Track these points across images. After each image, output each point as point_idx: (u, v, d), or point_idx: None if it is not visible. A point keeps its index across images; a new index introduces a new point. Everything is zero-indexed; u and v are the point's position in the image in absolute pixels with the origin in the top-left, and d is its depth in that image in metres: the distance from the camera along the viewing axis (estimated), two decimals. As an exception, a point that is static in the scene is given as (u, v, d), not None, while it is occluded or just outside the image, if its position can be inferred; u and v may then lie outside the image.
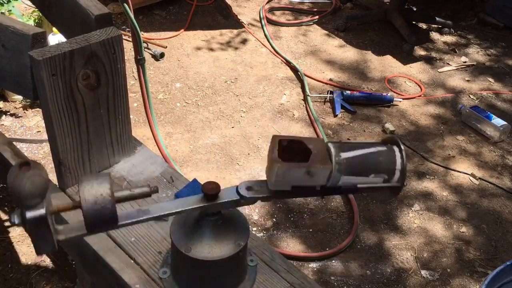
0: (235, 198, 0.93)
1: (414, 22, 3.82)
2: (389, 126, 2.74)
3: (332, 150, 0.88)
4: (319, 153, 0.87)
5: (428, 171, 2.53)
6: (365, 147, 0.90)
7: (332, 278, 1.99)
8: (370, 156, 0.89)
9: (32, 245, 1.97)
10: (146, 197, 0.89)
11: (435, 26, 3.79)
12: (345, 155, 0.87)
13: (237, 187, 0.94)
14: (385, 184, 0.90)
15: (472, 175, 2.52)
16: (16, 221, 0.80)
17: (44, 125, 1.25)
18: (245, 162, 2.46)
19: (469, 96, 3.11)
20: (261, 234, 2.13)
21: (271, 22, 3.66)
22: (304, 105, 2.89)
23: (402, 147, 0.90)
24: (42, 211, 0.79)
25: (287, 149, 0.89)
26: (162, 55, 3.14)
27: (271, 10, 3.81)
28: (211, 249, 0.97)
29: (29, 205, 0.79)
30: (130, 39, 2.60)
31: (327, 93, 2.94)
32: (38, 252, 0.85)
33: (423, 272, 2.06)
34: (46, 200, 0.81)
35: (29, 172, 0.77)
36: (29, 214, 0.79)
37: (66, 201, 1.27)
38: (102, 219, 0.83)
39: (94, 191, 0.82)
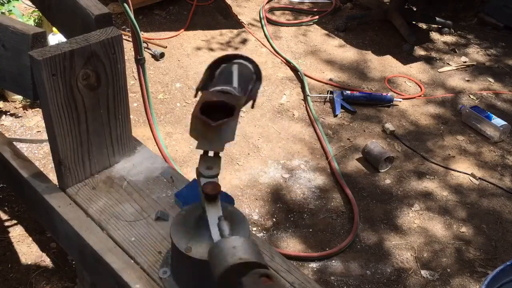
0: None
1: (414, 22, 3.82)
2: (389, 126, 2.74)
3: (228, 88, 0.99)
4: (229, 98, 0.98)
5: (428, 171, 2.53)
6: (231, 72, 1.05)
7: (332, 278, 1.99)
8: (242, 75, 1.05)
9: (32, 245, 1.97)
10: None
11: (435, 26, 3.79)
12: (235, 84, 1.02)
13: (202, 176, 0.96)
14: (255, 87, 1.06)
15: (472, 175, 2.52)
16: None
17: (44, 125, 1.25)
18: (245, 162, 2.46)
19: (469, 96, 3.11)
20: (261, 234, 2.13)
21: (271, 22, 3.66)
22: (304, 105, 2.89)
23: (241, 55, 1.07)
24: None
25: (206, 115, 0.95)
26: (162, 55, 3.14)
27: (271, 10, 3.81)
28: (211, 249, 0.97)
29: None
30: (130, 39, 2.60)
31: (327, 93, 2.94)
32: None
33: (423, 272, 2.06)
34: None
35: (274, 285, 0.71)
36: None
37: (66, 201, 1.27)
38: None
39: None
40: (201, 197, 0.96)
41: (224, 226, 0.89)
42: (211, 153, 0.98)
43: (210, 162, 0.98)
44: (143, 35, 3.27)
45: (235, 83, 1.00)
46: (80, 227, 1.20)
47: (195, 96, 1.01)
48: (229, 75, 1.02)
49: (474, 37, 3.75)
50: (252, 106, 1.05)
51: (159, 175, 1.37)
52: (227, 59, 1.06)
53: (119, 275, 1.10)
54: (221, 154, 0.98)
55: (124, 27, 3.32)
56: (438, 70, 3.33)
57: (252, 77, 1.06)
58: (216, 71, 1.04)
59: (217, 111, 0.94)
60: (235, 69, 1.04)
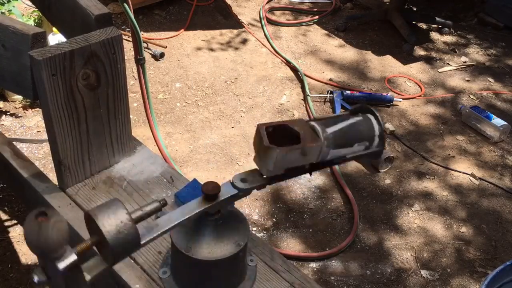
0: (232, 192, 0.94)
1: (414, 22, 3.82)
2: (389, 126, 2.74)
3: (318, 127, 0.91)
4: (307, 133, 0.90)
5: (428, 171, 2.53)
6: (344, 120, 0.95)
7: (332, 278, 1.99)
8: (352, 127, 0.95)
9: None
10: (158, 212, 0.87)
11: (435, 26, 3.79)
12: (330, 130, 0.92)
13: (231, 181, 0.95)
14: (367, 150, 0.96)
15: (472, 175, 2.52)
16: (41, 279, 0.74)
17: (44, 125, 1.25)
18: (245, 162, 2.46)
19: (469, 96, 3.11)
20: (261, 234, 2.13)
21: (271, 22, 3.66)
22: (304, 105, 2.89)
23: (377, 113, 0.96)
24: (73, 257, 0.74)
25: (273, 136, 0.90)
26: (162, 55, 3.14)
27: (271, 10, 3.81)
28: (211, 249, 0.97)
29: (57, 256, 0.73)
30: (130, 39, 2.60)
31: (327, 93, 2.94)
32: None
33: (423, 272, 2.06)
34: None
35: (50, 221, 0.71)
36: (62, 265, 0.73)
37: (66, 201, 1.27)
38: (128, 245, 0.80)
39: (113, 220, 0.79)
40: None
41: (148, 205, 0.87)
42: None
43: (249, 177, 0.95)
44: (143, 35, 3.27)
45: (332, 129, 0.91)
46: (80, 227, 1.20)
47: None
48: (340, 121, 0.95)
49: (474, 37, 3.75)
50: (310, 173, 0.97)
51: (159, 175, 1.37)
52: (364, 110, 0.97)
53: (119, 275, 1.10)
54: (264, 176, 0.93)
55: (124, 27, 3.33)
56: (438, 70, 3.33)
57: (372, 140, 0.96)
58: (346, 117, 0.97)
59: (293, 142, 0.89)
60: (351, 119, 0.95)
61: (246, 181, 0.95)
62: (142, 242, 0.85)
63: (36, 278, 0.74)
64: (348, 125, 0.94)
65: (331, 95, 2.91)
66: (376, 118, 0.96)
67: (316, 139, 0.89)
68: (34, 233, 0.71)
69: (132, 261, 1.14)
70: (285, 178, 0.95)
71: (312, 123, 0.92)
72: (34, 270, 0.75)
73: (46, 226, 0.71)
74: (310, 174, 0.97)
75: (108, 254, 0.80)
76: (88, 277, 0.79)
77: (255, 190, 0.96)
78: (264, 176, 0.94)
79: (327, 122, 0.93)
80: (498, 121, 2.75)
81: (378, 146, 0.96)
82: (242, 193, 0.95)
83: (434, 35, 3.73)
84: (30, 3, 2.61)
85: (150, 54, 3.16)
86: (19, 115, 2.59)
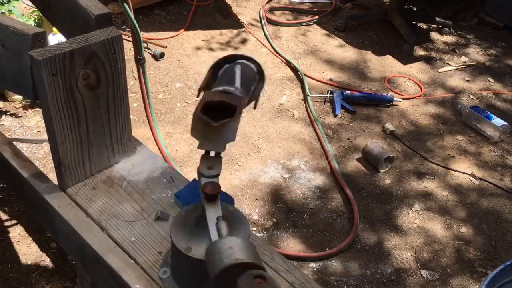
0: (214, 180, 0.96)
1: (414, 22, 3.82)
2: (389, 126, 2.74)
3: (231, 88, 0.97)
4: (230, 98, 0.95)
5: (428, 171, 2.53)
6: (233, 73, 1.03)
7: (332, 278, 1.99)
8: (244, 75, 1.03)
9: (32, 245, 1.97)
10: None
11: (435, 26, 3.79)
12: (238, 84, 1.00)
13: (203, 176, 0.96)
14: (257, 88, 1.05)
15: (472, 175, 2.52)
16: None
17: (44, 125, 1.25)
18: (245, 162, 2.46)
19: (469, 96, 3.11)
20: (261, 234, 2.13)
21: (271, 22, 3.66)
22: (304, 105, 2.89)
23: (244, 55, 1.05)
24: None
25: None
26: (162, 55, 3.14)
27: (271, 10, 3.81)
28: (211, 249, 0.97)
29: None
30: (130, 39, 2.60)
31: (327, 93, 2.94)
32: None
33: (423, 272, 2.06)
34: None
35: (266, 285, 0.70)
36: None
37: (66, 201, 1.27)
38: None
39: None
40: (201, 197, 0.96)
41: (222, 226, 0.89)
42: (212, 153, 0.98)
43: (211, 162, 0.97)
44: (143, 35, 3.27)
45: (238, 83, 0.99)
46: (80, 227, 1.20)
47: (198, 96, 1.01)
48: (231, 75, 1.02)
49: (474, 37, 3.75)
50: (255, 107, 1.05)
51: (159, 175, 1.37)
52: (230, 59, 1.06)
53: (119, 275, 1.10)
54: (222, 154, 0.98)
55: (124, 27, 3.33)
56: (438, 70, 3.33)
57: (255, 78, 1.05)
58: (219, 71, 1.04)
59: (219, 111, 0.93)
60: (237, 69, 1.03)
61: (213, 167, 0.97)
62: None
63: None
64: (242, 74, 1.02)
65: (331, 95, 2.91)
66: (249, 59, 1.05)
67: (240, 97, 0.97)
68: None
69: (132, 261, 1.14)
70: None
71: (219, 88, 0.98)
72: None
73: None
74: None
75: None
76: None
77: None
78: (221, 152, 0.97)
79: (223, 81, 1.00)
80: (498, 121, 2.75)
81: (260, 80, 1.06)
82: (217, 175, 0.97)
83: (434, 35, 3.73)
84: (30, 3, 2.61)
85: (150, 54, 3.16)
86: (19, 115, 2.59)
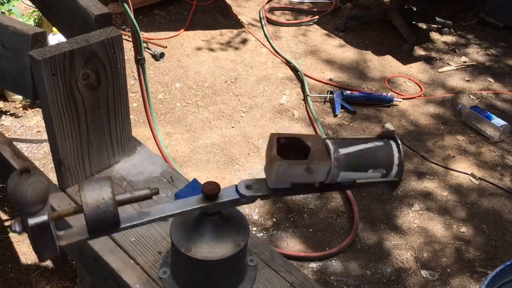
0: (234, 197, 0.93)
1: (414, 22, 3.82)
2: (389, 126, 2.74)
3: (331, 146, 0.88)
4: (318, 150, 0.87)
5: (428, 171, 2.53)
6: (362, 143, 0.91)
7: (332, 278, 1.99)
8: (368, 151, 0.90)
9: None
10: (147, 199, 0.89)
11: (435, 26, 3.79)
12: (343, 151, 0.88)
13: (236, 186, 0.94)
14: (383, 179, 0.90)
15: (472, 175, 2.53)
16: (18, 229, 0.79)
17: (44, 125, 1.25)
18: (245, 162, 2.46)
19: (469, 96, 3.11)
20: (261, 234, 2.13)
21: (271, 22, 3.66)
22: (304, 105, 2.89)
23: (399, 141, 0.91)
24: (44, 217, 0.79)
25: (286, 147, 0.89)
26: (162, 55, 3.14)
27: (271, 10, 3.81)
28: (211, 249, 0.97)
29: (30, 212, 0.78)
30: (130, 39, 2.60)
31: (327, 93, 2.94)
32: (41, 259, 0.85)
33: (423, 272, 2.06)
34: (47, 206, 0.80)
35: (30, 178, 0.76)
36: (32, 221, 0.79)
37: (66, 201, 1.27)
38: (105, 223, 0.83)
39: (95, 195, 0.82)
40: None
41: (140, 190, 0.89)
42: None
43: (256, 185, 0.93)
44: (143, 35, 3.27)
45: (346, 150, 0.88)
46: (80, 227, 1.20)
47: None
48: (358, 143, 0.91)
49: (474, 37, 3.75)
50: (352, 188, 0.93)
51: (159, 175, 1.37)
52: (389, 136, 0.93)
53: (119, 275, 1.10)
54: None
55: (124, 27, 3.33)
56: (438, 70, 3.33)
57: (390, 168, 0.91)
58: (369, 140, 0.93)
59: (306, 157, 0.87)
60: (370, 143, 0.91)
61: (251, 189, 0.93)
62: (122, 226, 0.87)
63: (13, 227, 0.80)
64: (365, 149, 0.90)
65: (331, 95, 2.91)
66: (398, 146, 0.91)
67: (325, 158, 0.87)
68: (12, 185, 0.76)
69: (132, 261, 1.14)
70: (291, 194, 0.93)
71: (327, 141, 0.89)
72: (15, 219, 0.81)
73: (23, 182, 0.76)
74: (321, 194, 0.94)
75: (86, 226, 0.83)
76: (60, 242, 0.86)
77: (259, 200, 0.93)
78: (270, 187, 0.91)
79: (343, 142, 0.90)
80: (498, 121, 2.75)
81: (396, 176, 0.91)
82: (245, 199, 0.93)
83: (434, 35, 3.73)
84: (30, 3, 2.61)
85: (150, 54, 3.16)
86: (19, 115, 2.59)
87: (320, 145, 0.89)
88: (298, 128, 2.71)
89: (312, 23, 3.71)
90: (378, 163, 0.90)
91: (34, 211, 0.78)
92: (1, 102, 2.64)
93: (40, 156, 2.36)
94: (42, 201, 0.78)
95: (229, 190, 0.95)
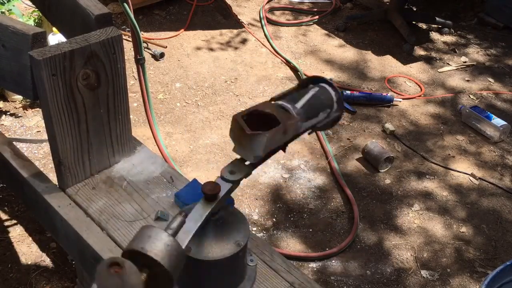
0: (226, 188, 0.95)
1: (414, 22, 3.82)
2: (389, 126, 2.74)
3: (288, 105, 0.95)
4: (280, 113, 0.93)
5: (428, 171, 2.53)
6: (305, 93, 1.00)
7: (332, 278, 1.99)
8: (315, 98, 1.00)
9: (32, 245, 1.97)
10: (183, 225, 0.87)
11: (435, 26, 3.79)
12: (298, 105, 0.96)
13: (221, 176, 0.96)
14: (329, 118, 1.03)
15: (472, 175, 2.52)
16: None
17: (44, 125, 1.25)
18: (245, 162, 2.46)
19: (469, 96, 3.11)
20: (261, 234, 2.13)
21: (271, 22, 3.66)
22: (304, 105, 2.89)
23: (330, 81, 1.03)
24: None
25: (248, 123, 0.91)
26: (162, 55, 3.14)
27: (271, 10, 3.81)
28: (211, 249, 0.97)
29: None
30: (130, 39, 2.60)
31: (327, 93, 2.94)
32: None
33: (423, 272, 2.06)
34: None
35: (118, 278, 0.66)
36: None
37: (66, 201, 1.27)
38: (180, 263, 0.80)
39: (160, 246, 0.77)
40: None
41: (174, 221, 0.86)
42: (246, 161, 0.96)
43: (235, 168, 0.97)
44: (143, 35, 3.27)
45: (300, 103, 0.96)
46: (80, 227, 1.20)
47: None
48: (300, 95, 0.99)
49: (474, 37, 3.75)
50: (309, 133, 1.03)
51: (159, 175, 1.37)
52: (316, 80, 1.03)
53: (119, 275, 1.10)
54: (247, 163, 0.96)
55: (124, 27, 3.33)
56: (438, 70, 3.33)
57: (332, 106, 1.02)
58: (300, 89, 1.02)
59: (266, 124, 0.90)
60: (311, 91, 1.00)
61: (235, 173, 0.96)
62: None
63: None
64: (312, 97, 0.99)
65: (331, 95, 2.91)
66: (331, 85, 1.02)
67: (291, 117, 0.93)
68: (98, 282, 0.65)
69: (132, 261, 1.14)
70: (265, 160, 0.98)
71: (280, 102, 0.96)
72: None
73: (110, 282, 0.65)
74: (284, 151, 0.99)
75: (164, 280, 0.77)
76: None
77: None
78: (248, 163, 0.96)
79: (292, 98, 0.98)
80: (498, 121, 2.75)
81: (337, 110, 1.03)
82: (235, 185, 0.96)
83: (434, 35, 3.73)
84: (30, 3, 2.61)
85: (150, 54, 3.16)
86: (19, 115, 2.59)
87: (278, 108, 0.94)
88: (298, 128, 2.71)
89: (312, 23, 3.71)
90: (324, 104, 1.01)
91: None
92: (1, 102, 2.64)
93: (40, 156, 2.36)
94: None
95: (218, 182, 0.96)
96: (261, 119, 0.92)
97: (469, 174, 2.53)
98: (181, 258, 0.80)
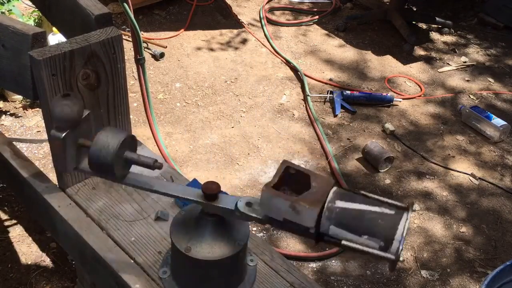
0: (231, 208, 0.92)
1: (414, 22, 3.82)
2: (389, 126, 2.74)
3: (330, 194, 0.81)
4: (317, 193, 0.81)
5: (428, 171, 2.53)
6: (369, 203, 0.80)
7: (332, 278, 1.99)
8: (369, 215, 0.80)
9: (32, 245, 1.97)
10: (149, 168, 0.93)
11: (435, 26, 3.79)
12: (340, 204, 0.80)
13: (238, 200, 0.92)
14: (378, 251, 0.80)
15: (472, 175, 2.52)
16: (52, 134, 0.91)
17: (44, 125, 1.25)
18: (245, 162, 2.46)
19: (469, 96, 3.11)
20: (261, 234, 2.13)
21: (271, 22, 3.66)
22: (304, 105, 2.89)
23: (409, 215, 0.81)
24: (60, 135, 0.91)
25: (293, 178, 0.86)
26: (162, 55, 3.14)
27: (271, 10, 3.81)
28: (211, 249, 0.97)
29: (57, 127, 0.90)
30: (130, 39, 2.60)
31: (327, 93, 2.94)
32: (60, 169, 0.99)
33: (423, 272, 2.06)
34: (76, 131, 0.92)
35: (65, 100, 0.90)
36: (52, 132, 0.91)
37: (66, 201, 1.27)
38: (101, 166, 0.90)
39: (105, 139, 0.89)
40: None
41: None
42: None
43: (255, 205, 0.91)
44: (143, 35, 3.27)
45: (348, 208, 0.80)
46: (80, 227, 1.20)
47: None
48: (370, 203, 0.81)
49: (474, 37, 3.75)
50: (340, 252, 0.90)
51: (159, 175, 1.37)
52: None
53: (119, 275, 1.10)
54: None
55: (124, 27, 3.32)
56: (438, 70, 3.33)
57: (389, 241, 0.80)
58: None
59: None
60: (378, 209, 0.81)
61: (250, 207, 0.91)
62: (125, 181, 0.95)
63: (52, 133, 0.92)
64: (367, 211, 0.80)
65: (331, 95, 2.91)
66: (406, 220, 0.80)
67: (315, 203, 0.80)
68: (52, 101, 0.91)
69: (132, 261, 1.14)
70: (283, 229, 0.87)
71: (334, 188, 0.82)
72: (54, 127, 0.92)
73: (58, 101, 0.90)
74: (316, 243, 0.84)
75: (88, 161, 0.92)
76: (77, 165, 0.97)
77: (254, 221, 0.91)
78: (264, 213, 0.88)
79: (349, 196, 0.81)
80: (498, 121, 2.75)
81: (395, 253, 0.80)
82: (239, 215, 0.92)
83: (434, 35, 3.73)
84: (30, 3, 2.61)
85: (150, 54, 3.16)
86: (19, 115, 2.59)
87: (324, 188, 0.81)
88: (298, 128, 2.71)
89: (312, 23, 3.71)
90: (375, 231, 0.79)
91: (60, 127, 0.90)
92: (1, 102, 2.64)
93: (40, 156, 2.36)
94: (67, 121, 0.90)
95: (229, 199, 0.94)
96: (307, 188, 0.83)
97: (469, 174, 2.53)
98: (106, 163, 0.90)
